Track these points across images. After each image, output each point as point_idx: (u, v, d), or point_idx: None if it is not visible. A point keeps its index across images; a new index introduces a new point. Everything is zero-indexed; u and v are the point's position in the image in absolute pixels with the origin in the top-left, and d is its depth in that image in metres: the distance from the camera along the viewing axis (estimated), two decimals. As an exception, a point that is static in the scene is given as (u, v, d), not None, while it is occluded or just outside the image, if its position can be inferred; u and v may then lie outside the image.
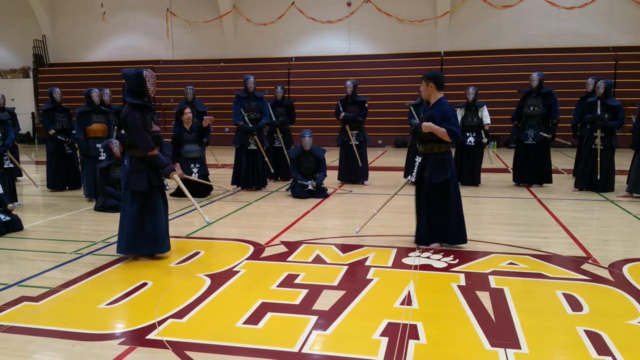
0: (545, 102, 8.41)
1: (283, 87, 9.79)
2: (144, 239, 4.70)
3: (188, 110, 8.20)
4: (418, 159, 5.13)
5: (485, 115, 8.80)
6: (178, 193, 7.84)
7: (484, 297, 3.80)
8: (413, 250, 5.04)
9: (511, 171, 9.13)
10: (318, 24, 19.38)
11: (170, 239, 4.95)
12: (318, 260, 4.77)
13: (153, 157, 4.65)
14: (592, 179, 8.10)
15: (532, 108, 8.45)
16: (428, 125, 4.86)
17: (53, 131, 8.61)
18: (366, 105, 9.05)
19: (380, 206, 5.60)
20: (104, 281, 4.30)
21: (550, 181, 8.68)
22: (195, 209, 4.97)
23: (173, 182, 4.89)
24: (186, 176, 7.56)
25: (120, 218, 4.75)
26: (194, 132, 8.16)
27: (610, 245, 5.27)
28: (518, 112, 8.67)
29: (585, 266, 4.53)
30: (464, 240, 5.08)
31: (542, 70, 8.67)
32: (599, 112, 7.90)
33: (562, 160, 12.25)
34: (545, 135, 8.40)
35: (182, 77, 18.55)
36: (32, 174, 10.25)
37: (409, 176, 5.36)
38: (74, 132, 8.47)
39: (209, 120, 8.12)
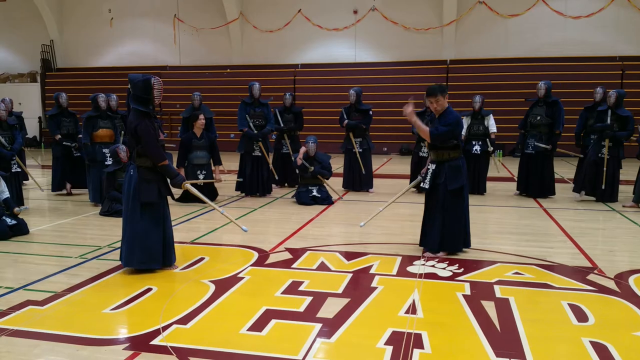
0: (549, 111, 8.26)
1: (292, 94, 9.82)
2: (156, 252, 4.53)
3: (202, 116, 8.20)
4: (431, 166, 5.13)
5: (491, 124, 8.79)
6: (183, 199, 7.82)
7: (489, 307, 3.78)
8: (418, 258, 5.03)
9: (517, 180, 9.06)
10: (324, 32, 19.43)
11: (175, 244, 4.89)
12: (322, 267, 4.76)
13: (164, 167, 4.50)
14: (595, 186, 8.06)
15: (536, 117, 8.38)
16: (413, 121, 5.00)
17: (59, 136, 8.66)
18: (370, 113, 9.06)
19: (388, 203, 5.64)
20: (108, 286, 4.31)
21: (553, 193, 8.50)
22: (209, 212, 4.95)
23: (174, 189, 4.82)
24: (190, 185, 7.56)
25: (126, 230, 4.51)
26: (204, 138, 8.17)
27: (617, 256, 5.24)
28: (524, 121, 8.60)
29: (591, 277, 4.51)
30: (469, 244, 5.20)
31: (548, 79, 8.61)
32: (608, 121, 7.85)
33: (570, 170, 12.19)
34: (543, 145, 8.20)
35: (189, 83, 18.60)
36: (38, 178, 10.30)
37: (420, 177, 5.37)
38: (80, 136, 8.51)
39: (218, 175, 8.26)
